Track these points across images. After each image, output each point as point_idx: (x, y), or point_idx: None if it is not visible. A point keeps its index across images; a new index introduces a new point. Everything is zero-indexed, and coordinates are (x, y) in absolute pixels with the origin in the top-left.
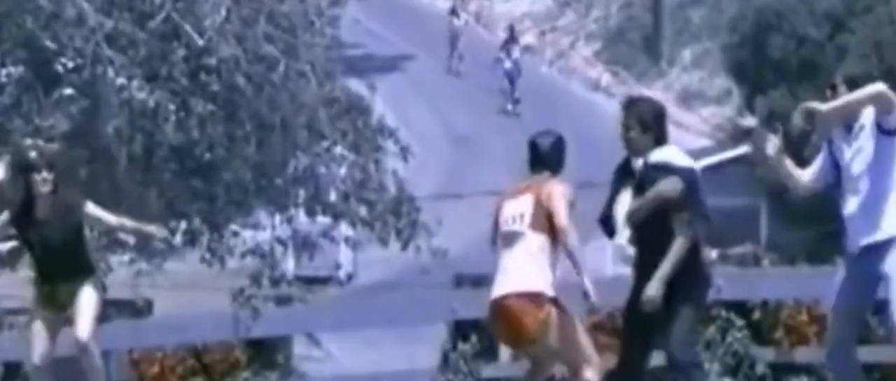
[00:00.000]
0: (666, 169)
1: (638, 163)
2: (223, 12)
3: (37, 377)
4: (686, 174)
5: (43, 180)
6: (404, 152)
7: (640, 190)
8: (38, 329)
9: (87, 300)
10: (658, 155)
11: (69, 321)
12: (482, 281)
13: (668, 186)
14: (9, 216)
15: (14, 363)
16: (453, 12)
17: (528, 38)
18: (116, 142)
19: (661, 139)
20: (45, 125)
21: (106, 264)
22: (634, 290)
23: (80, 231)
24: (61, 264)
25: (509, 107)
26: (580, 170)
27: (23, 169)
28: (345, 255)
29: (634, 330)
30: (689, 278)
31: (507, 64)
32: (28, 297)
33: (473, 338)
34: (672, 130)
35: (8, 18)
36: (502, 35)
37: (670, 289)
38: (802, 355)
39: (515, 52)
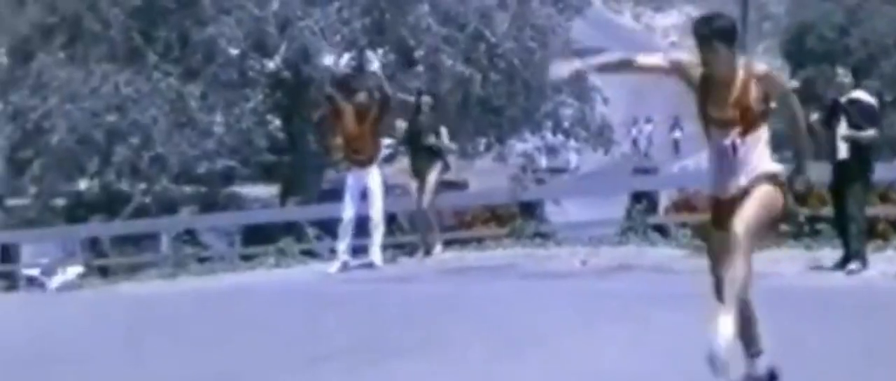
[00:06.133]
0: None
1: None
2: (506, 24)
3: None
4: None
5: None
6: (605, 101)
7: None
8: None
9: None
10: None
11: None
12: (647, 171)
13: None
14: None
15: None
16: None
17: (673, 38)
18: (446, 96)
19: None
20: (409, 86)
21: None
22: None
23: None
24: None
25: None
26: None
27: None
28: (573, 156)
29: None
30: None
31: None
32: None
33: (643, 201)
34: None
35: (391, 32)
36: (661, 40)
37: None
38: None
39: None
